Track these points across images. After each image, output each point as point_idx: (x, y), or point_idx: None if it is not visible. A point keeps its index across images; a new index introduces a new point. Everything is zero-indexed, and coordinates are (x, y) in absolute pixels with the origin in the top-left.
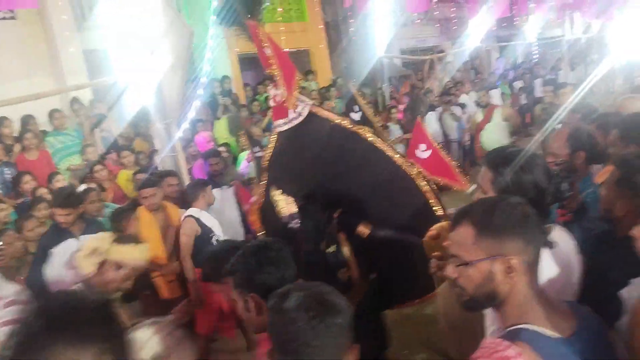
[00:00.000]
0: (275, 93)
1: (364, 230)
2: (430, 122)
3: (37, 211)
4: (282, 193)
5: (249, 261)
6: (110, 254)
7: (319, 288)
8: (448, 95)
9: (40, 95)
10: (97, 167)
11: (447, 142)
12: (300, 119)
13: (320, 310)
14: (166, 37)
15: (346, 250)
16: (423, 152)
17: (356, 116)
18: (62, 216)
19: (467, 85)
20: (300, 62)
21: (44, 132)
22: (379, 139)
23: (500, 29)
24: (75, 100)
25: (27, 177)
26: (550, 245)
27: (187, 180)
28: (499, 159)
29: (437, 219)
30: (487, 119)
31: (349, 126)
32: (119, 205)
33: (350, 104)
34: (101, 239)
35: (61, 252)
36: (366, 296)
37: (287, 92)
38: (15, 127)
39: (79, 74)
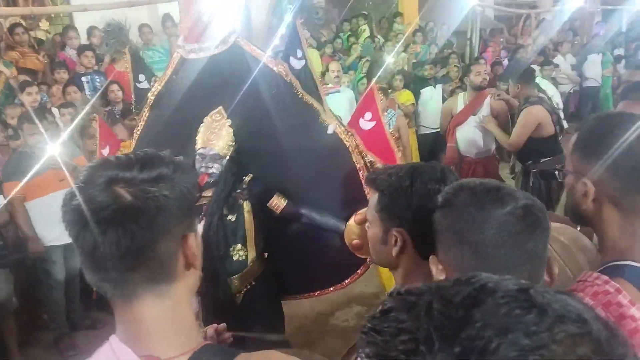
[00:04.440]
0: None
1: (278, 203)
2: None
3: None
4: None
5: None
6: None
7: None
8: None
9: (133, 3)
10: None
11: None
12: (223, 47)
13: None
14: None
15: (248, 222)
16: (367, 121)
17: (297, 64)
18: None
19: (565, 46)
20: (386, 2)
21: None
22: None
23: None
24: (167, 16)
25: (114, 86)
26: None
27: None
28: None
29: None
30: (473, 108)
31: (282, 72)
32: None
33: (292, 44)
34: None
35: None
36: (264, 278)
37: None
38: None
39: None
